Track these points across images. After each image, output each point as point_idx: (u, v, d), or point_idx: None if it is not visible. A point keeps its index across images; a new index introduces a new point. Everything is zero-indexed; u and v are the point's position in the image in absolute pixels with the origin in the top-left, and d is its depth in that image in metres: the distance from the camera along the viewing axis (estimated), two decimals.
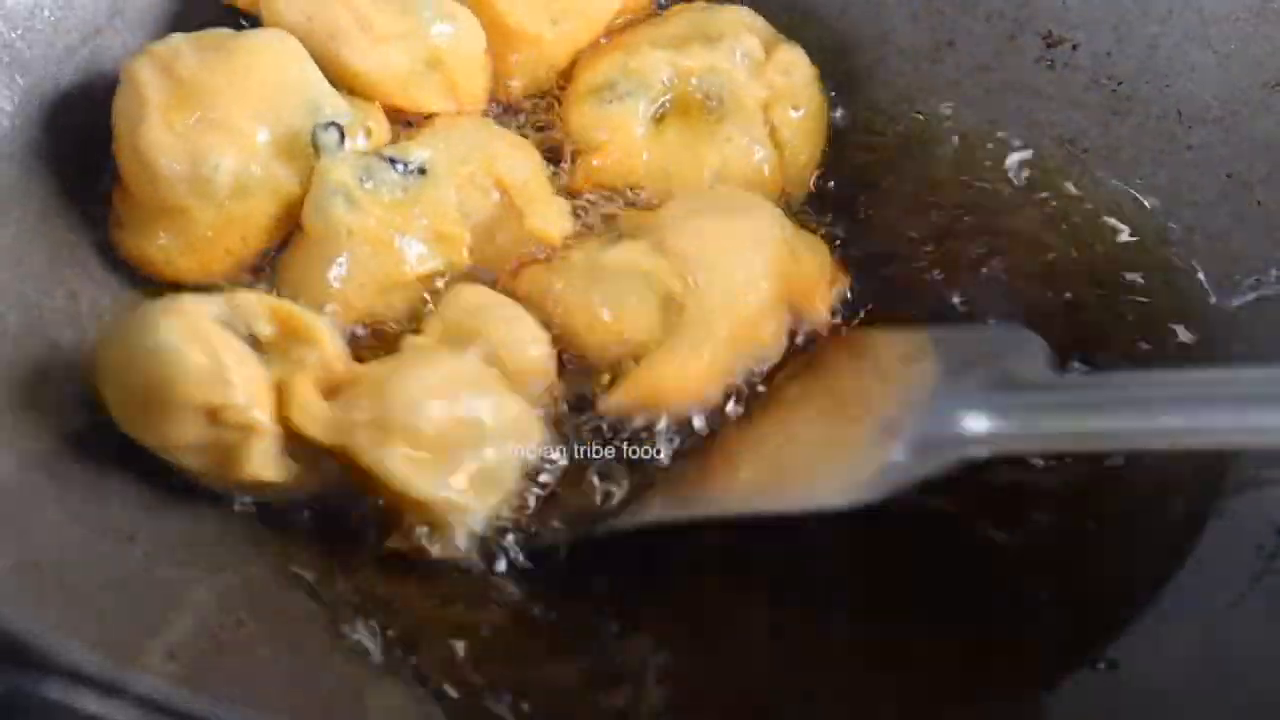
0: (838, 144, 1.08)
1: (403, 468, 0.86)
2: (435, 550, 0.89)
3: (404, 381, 0.87)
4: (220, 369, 0.85)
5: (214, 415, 0.86)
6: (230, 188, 0.94)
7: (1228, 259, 1.00)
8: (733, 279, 0.93)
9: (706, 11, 1.07)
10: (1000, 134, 1.07)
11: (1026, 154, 1.06)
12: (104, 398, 0.88)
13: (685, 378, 0.93)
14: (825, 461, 0.87)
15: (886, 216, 1.05)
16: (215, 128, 0.94)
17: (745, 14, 1.06)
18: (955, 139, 1.08)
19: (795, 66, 1.05)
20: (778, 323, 0.95)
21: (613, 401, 0.93)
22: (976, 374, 0.86)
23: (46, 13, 0.98)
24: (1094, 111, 1.06)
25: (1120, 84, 1.06)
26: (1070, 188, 1.05)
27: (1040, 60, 1.08)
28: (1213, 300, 0.99)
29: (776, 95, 1.03)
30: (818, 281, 0.97)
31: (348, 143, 0.96)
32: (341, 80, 0.99)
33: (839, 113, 1.09)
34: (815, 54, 1.09)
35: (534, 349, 0.92)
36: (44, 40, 0.98)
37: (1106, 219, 1.03)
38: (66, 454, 0.89)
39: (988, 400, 0.83)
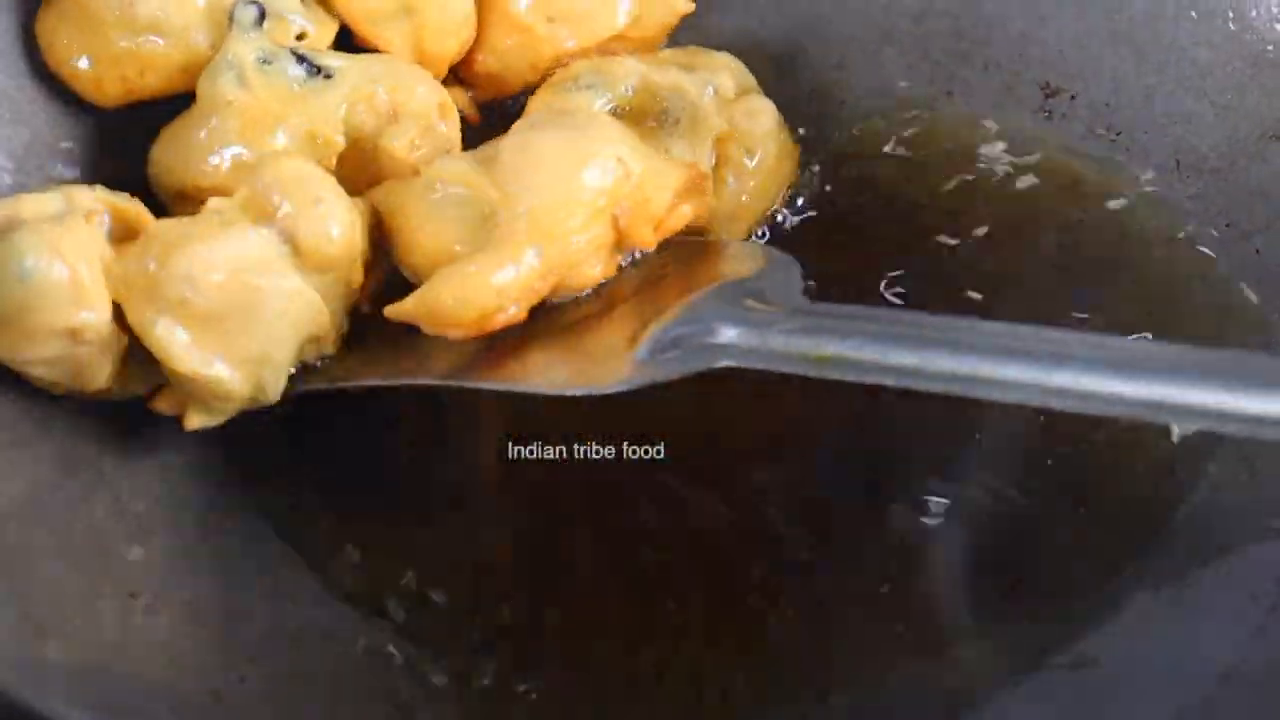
0: (829, 191, 1.08)
1: (167, 336, 0.85)
2: (193, 421, 0.89)
3: (187, 251, 0.85)
4: (80, 286, 0.84)
5: (74, 335, 0.85)
6: (149, 21, 0.96)
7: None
8: (545, 193, 0.89)
9: (696, 51, 1.07)
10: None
11: None
12: None
13: (476, 293, 0.88)
14: (589, 352, 0.89)
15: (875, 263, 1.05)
16: None
17: (731, 61, 1.06)
18: (951, 188, 1.07)
19: (761, 114, 1.04)
20: (597, 243, 0.91)
21: (395, 308, 0.90)
22: (733, 287, 0.89)
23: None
24: (1092, 162, 1.07)
25: (1119, 134, 1.06)
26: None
27: (1039, 111, 1.09)
28: None
29: (734, 133, 1.02)
30: (654, 206, 0.93)
31: (267, 25, 0.96)
32: None
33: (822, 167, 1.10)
34: (810, 105, 1.11)
35: (335, 231, 0.88)
36: (45, 95, 0.98)
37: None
38: (65, 507, 0.89)
39: (735, 314, 0.86)
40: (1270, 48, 1.03)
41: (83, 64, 0.97)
